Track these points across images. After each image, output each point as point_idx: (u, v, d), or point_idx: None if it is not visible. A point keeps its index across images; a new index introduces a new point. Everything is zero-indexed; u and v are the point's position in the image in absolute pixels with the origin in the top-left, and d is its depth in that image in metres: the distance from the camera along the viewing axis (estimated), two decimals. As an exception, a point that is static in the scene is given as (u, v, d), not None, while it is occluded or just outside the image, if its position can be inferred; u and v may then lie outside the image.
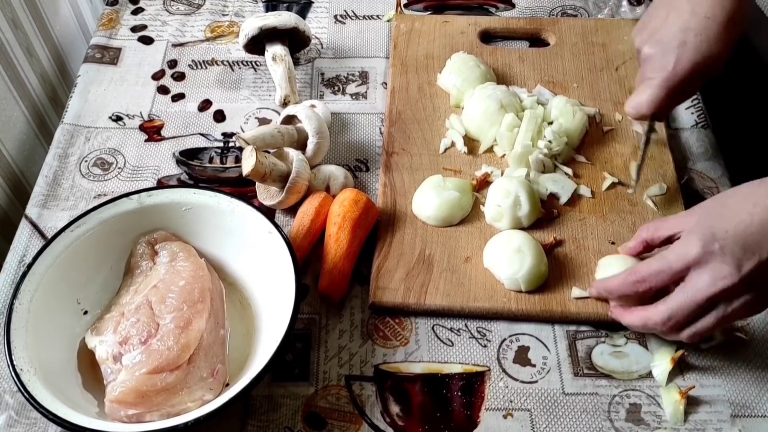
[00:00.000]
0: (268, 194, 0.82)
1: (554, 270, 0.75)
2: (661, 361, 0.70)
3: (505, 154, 0.85)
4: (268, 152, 0.81)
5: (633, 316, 0.67)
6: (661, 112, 0.77)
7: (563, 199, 0.81)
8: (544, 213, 0.80)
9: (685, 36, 0.73)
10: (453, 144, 0.87)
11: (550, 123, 0.86)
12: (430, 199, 0.79)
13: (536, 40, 1.01)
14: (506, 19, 1.02)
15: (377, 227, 0.79)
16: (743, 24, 0.74)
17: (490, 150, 0.86)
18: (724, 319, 0.62)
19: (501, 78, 0.94)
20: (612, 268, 0.72)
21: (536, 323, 0.73)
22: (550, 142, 0.83)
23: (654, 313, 0.64)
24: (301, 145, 0.84)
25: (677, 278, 0.63)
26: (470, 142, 0.87)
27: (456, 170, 0.85)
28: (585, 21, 1.01)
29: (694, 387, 0.68)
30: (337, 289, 0.73)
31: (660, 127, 0.87)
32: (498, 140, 0.85)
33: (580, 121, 0.86)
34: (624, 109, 0.78)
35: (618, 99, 0.91)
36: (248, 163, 0.76)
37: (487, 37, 1.01)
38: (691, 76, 0.73)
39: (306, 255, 0.77)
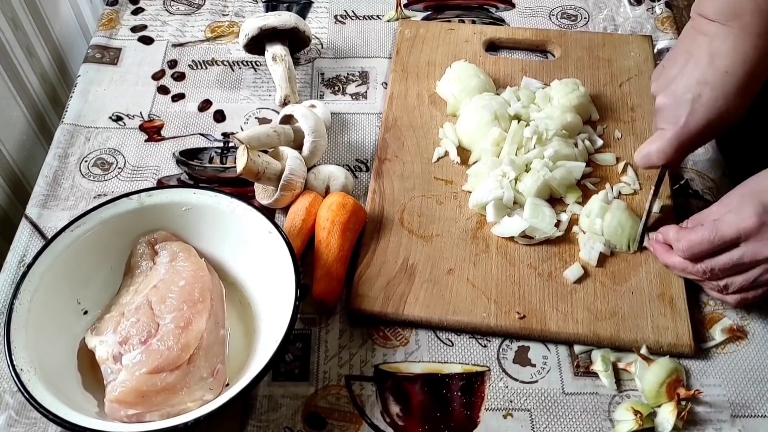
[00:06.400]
0: (265, 193, 0.82)
1: (536, 287, 0.74)
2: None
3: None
4: (266, 152, 0.81)
5: (672, 259, 0.72)
6: (672, 163, 0.74)
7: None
8: None
9: (700, 89, 0.69)
10: (446, 153, 0.86)
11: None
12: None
13: (541, 52, 0.99)
14: (512, 30, 1.00)
15: (363, 234, 0.78)
16: (764, 78, 0.69)
17: None
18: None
19: (502, 89, 0.91)
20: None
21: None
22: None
23: (692, 265, 0.70)
24: (298, 144, 0.84)
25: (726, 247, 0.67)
26: (464, 152, 0.85)
27: (447, 180, 0.83)
28: (592, 35, 0.99)
29: (690, 405, 0.67)
30: (332, 294, 0.73)
31: (665, 186, 0.81)
32: (482, 155, 0.83)
33: (579, 96, 0.86)
34: (633, 157, 0.75)
35: (620, 116, 0.89)
36: (240, 162, 0.76)
37: (492, 45, 0.99)
38: (704, 131, 0.70)
39: (299, 254, 0.76)
